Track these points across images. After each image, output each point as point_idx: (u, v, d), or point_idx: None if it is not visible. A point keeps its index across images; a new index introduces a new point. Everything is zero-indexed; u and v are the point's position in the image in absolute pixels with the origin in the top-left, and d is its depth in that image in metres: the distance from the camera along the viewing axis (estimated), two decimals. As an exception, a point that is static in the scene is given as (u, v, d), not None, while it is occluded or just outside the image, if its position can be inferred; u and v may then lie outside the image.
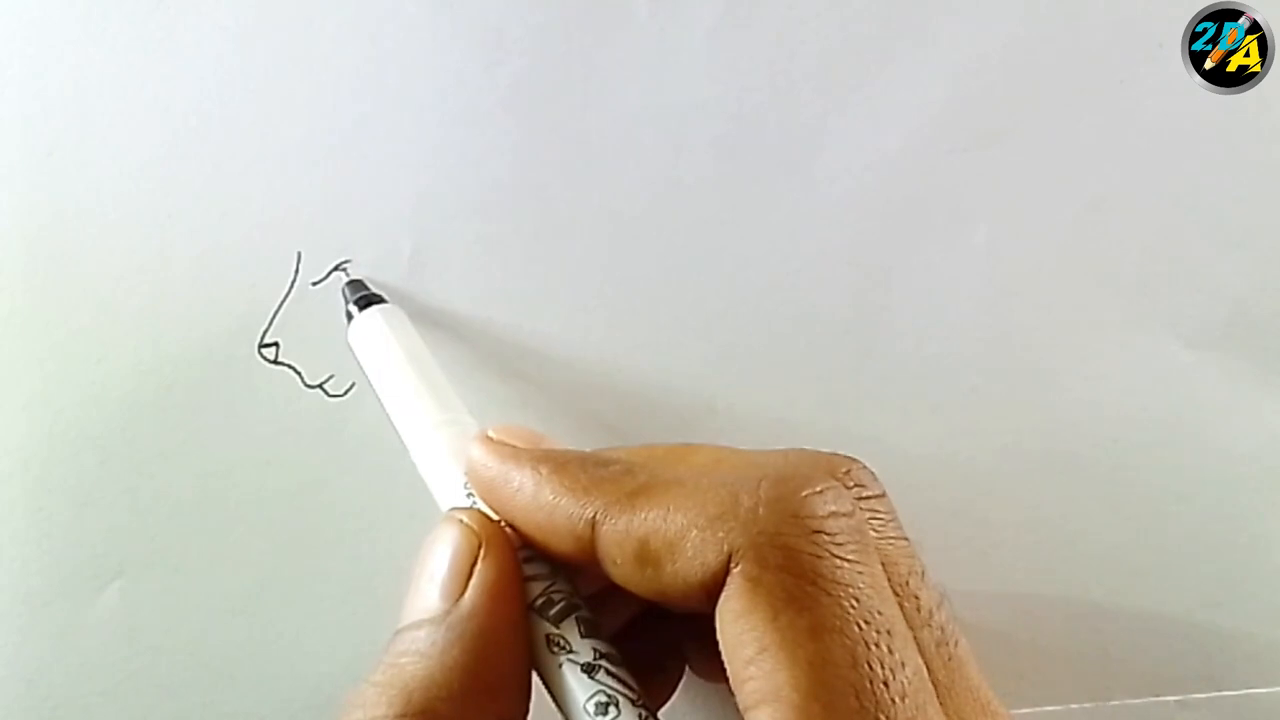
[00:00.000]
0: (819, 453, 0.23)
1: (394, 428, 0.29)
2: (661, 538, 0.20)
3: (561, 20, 0.33)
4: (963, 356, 0.34)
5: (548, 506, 0.22)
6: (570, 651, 0.21)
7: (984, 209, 0.34)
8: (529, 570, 0.23)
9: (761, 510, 0.19)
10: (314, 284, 0.33)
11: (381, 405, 0.30)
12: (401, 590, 0.23)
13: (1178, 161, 0.34)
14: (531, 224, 0.33)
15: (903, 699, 0.18)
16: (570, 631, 0.22)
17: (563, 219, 0.33)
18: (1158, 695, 0.35)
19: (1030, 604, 0.35)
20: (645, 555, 0.20)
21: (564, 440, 0.32)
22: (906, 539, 0.22)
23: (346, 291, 0.32)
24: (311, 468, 0.33)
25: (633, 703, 0.20)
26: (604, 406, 0.34)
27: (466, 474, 0.24)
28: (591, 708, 0.20)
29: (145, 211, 0.32)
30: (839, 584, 0.18)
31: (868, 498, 0.22)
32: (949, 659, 0.20)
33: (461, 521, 0.23)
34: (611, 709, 0.20)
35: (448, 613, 0.21)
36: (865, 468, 0.23)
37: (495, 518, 0.23)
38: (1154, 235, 0.34)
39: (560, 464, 0.22)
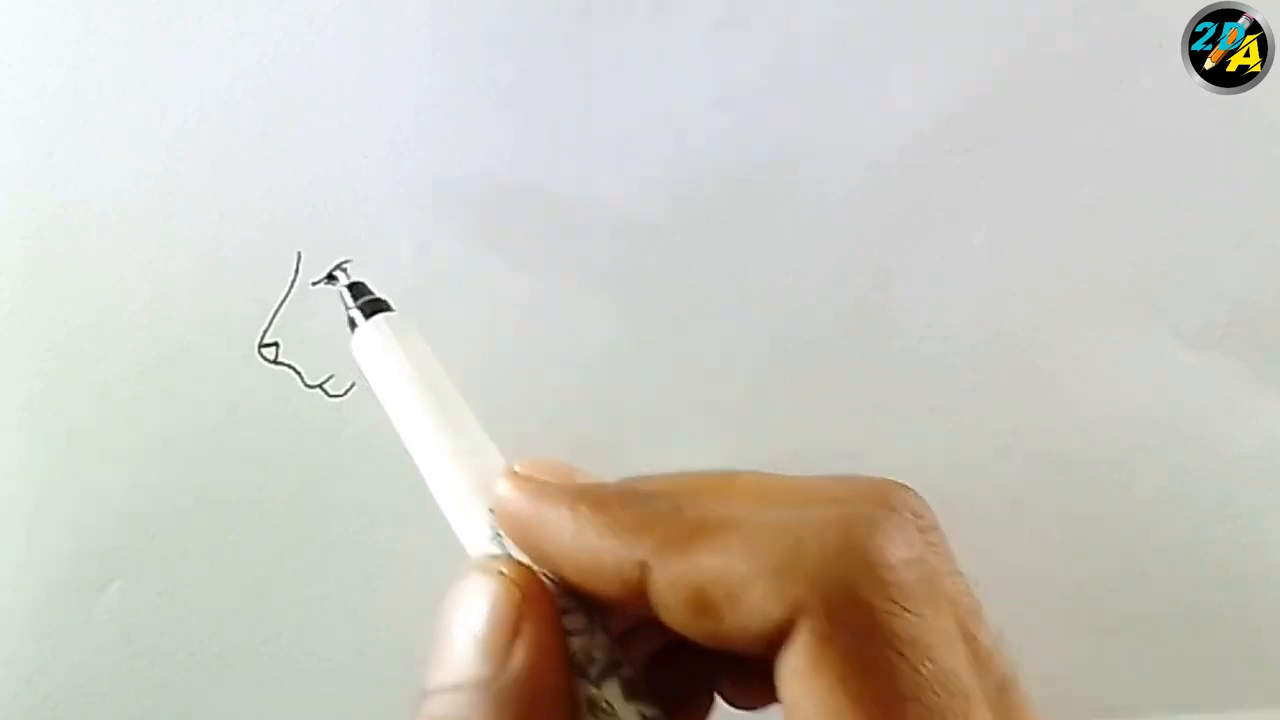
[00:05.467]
0: (872, 481, 0.21)
1: (406, 449, 0.27)
2: (721, 587, 0.18)
3: (561, 20, 0.32)
4: (962, 356, 0.34)
5: (591, 549, 0.20)
6: (613, 717, 0.20)
7: (984, 209, 0.34)
8: (566, 623, 0.21)
9: (830, 560, 0.18)
10: (314, 284, 0.33)
11: (392, 424, 0.28)
12: (422, 630, 0.21)
13: (1178, 161, 0.34)
14: (531, 224, 0.33)
15: None
16: (613, 693, 0.20)
17: (562, 218, 0.33)
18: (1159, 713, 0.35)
19: (1029, 605, 0.35)
20: (702, 604, 0.19)
21: (564, 437, 0.32)
22: (961, 573, 0.21)
23: (347, 295, 0.28)
24: (311, 468, 0.33)
25: None
26: (604, 405, 0.34)
27: (495, 514, 0.22)
28: None
29: (145, 212, 0.32)
30: (913, 644, 0.17)
31: (925, 529, 0.20)
32: (1010, 707, 0.19)
33: (500, 573, 0.21)
34: None
35: (494, 677, 0.20)
36: (917, 495, 0.21)
37: (527, 562, 0.22)
38: (1154, 236, 0.34)
39: (601, 501, 0.20)
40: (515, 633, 0.20)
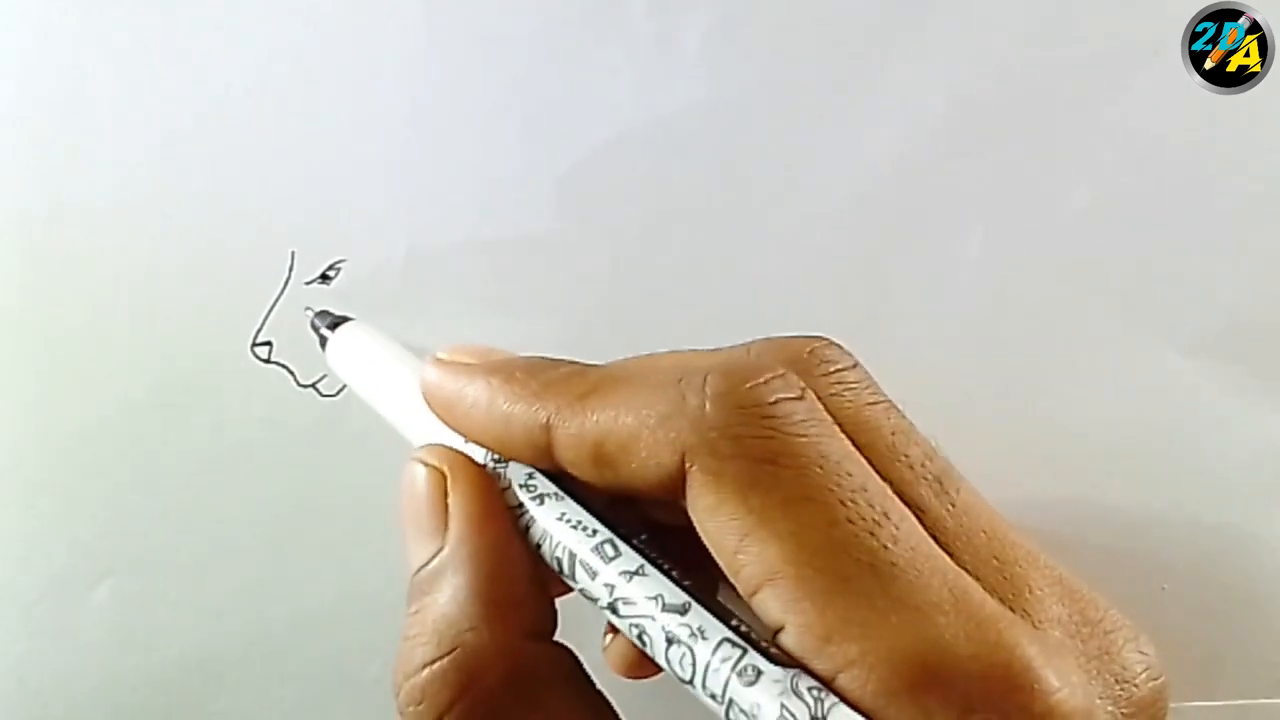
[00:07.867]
0: (780, 339, 0.23)
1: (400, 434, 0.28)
2: (614, 440, 0.20)
3: (558, 20, 0.32)
4: (956, 364, 0.34)
5: (502, 416, 0.22)
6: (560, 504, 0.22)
7: (979, 214, 0.33)
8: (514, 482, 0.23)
9: (708, 406, 0.19)
10: (307, 283, 0.33)
11: (381, 416, 0.29)
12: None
13: (1177, 163, 0.33)
14: (527, 225, 0.33)
15: (894, 543, 0.18)
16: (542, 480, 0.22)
17: (558, 220, 0.33)
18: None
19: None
20: (601, 458, 0.20)
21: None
22: (886, 400, 0.22)
23: (316, 321, 0.30)
24: (303, 467, 0.33)
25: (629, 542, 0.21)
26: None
27: (425, 398, 0.24)
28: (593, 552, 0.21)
29: (140, 211, 0.32)
30: (798, 457, 0.19)
31: (836, 370, 0.22)
32: (953, 505, 0.21)
33: (422, 462, 0.23)
34: (605, 548, 0.20)
35: (445, 549, 0.22)
36: (832, 343, 0.22)
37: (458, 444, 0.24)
38: (1151, 240, 0.34)
39: (510, 372, 0.22)
40: (445, 507, 0.22)
